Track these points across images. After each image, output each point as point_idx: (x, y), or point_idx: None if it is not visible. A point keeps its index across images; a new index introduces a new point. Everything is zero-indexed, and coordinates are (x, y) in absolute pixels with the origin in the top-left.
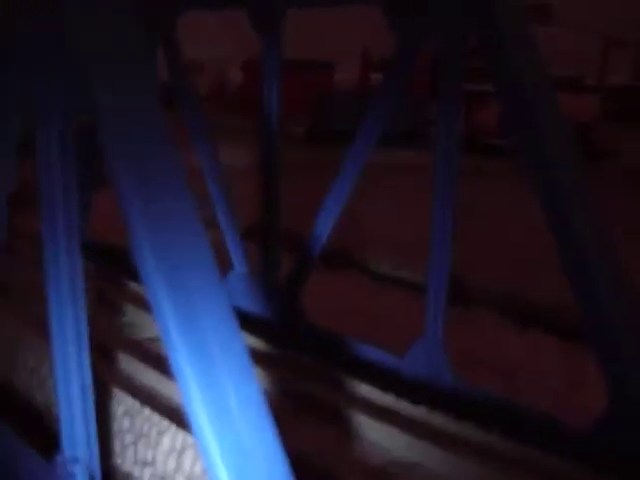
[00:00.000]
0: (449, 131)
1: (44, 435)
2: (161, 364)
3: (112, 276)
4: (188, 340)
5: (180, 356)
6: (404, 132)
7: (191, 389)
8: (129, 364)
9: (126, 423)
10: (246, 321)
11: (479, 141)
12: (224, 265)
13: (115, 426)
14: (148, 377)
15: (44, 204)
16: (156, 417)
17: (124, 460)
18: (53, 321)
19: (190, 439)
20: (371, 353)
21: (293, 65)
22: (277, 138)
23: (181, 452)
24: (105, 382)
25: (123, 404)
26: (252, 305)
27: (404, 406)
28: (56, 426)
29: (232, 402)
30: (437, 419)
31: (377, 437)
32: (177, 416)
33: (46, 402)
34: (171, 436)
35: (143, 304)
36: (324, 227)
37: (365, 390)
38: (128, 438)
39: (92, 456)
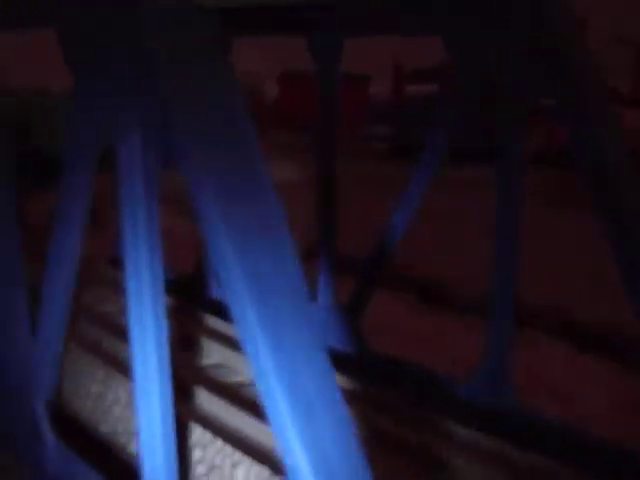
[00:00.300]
0: (512, 148)
1: (111, 463)
2: (230, 394)
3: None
4: (280, 372)
5: (275, 394)
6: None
7: (287, 428)
8: (200, 395)
9: (197, 454)
10: None
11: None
12: None
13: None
14: (218, 409)
15: (125, 228)
16: (229, 449)
17: None
18: (136, 354)
19: (265, 472)
20: (434, 379)
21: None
22: (334, 154)
23: None
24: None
25: (194, 435)
26: None
27: (469, 434)
28: (124, 454)
29: (327, 442)
30: (505, 447)
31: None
32: (250, 448)
33: (113, 429)
34: (245, 469)
35: (212, 335)
36: (386, 248)
37: (423, 416)
38: (200, 469)
39: None
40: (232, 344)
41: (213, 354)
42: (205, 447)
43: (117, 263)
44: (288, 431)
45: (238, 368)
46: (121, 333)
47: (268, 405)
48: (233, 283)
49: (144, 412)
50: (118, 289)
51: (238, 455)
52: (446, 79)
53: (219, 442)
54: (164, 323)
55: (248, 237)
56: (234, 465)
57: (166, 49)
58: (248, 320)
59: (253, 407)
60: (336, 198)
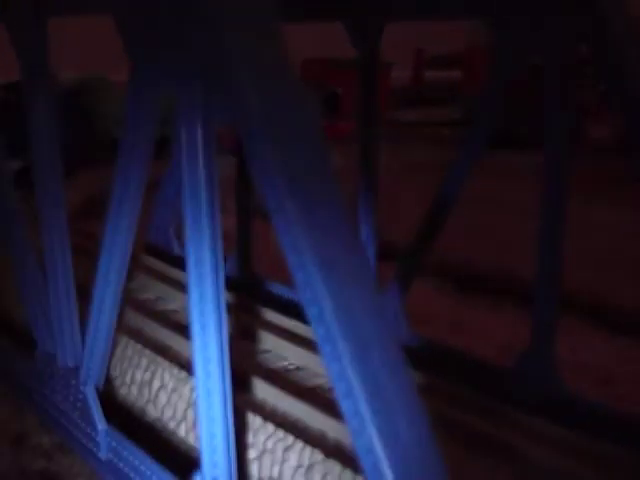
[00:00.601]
0: (559, 134)
1: (162, 448)
2: (277, 379)
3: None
4: (356, 362)
5: (352, 385)
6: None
7: (362, 416)
8: (248, 380)
9: (249, 438)
10: None
11: None
12: None
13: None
14: (265, 391)
15: (187, 213)
16: (280, 433)
17: (249, 476)
18: (198, 343)
19: (318, 455)
20: (479, 364)
21: (353, 64)
22: (376, 140)
23: (309, 468)
24: None
25: (241, 420)
26: None
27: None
28: (173, 439)
29: (401, 430)
30: (557, 433)
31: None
32: (301, 432)
33: (159, 416)
34: (298, 452)
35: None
36: (428, 233)
37: (470, 397)
38: (251, 454)
39: (232, 477)
40: (278, 332)
41: (261, 341)
42: (256, 432)
43: (151, 250)
44: (363, 420)
45: (283, 354)
46: (162, 320)
47: (342, 396)
48: (308, 274)
49: (204, 401)
50: (155, 276)
51: (290, 439)
52: (464, 65)
53: (270, 426)
54: (225, 313)
55: (320, 229)
56: (286, 449)
57: (231, 27)
58: (325, 314)
59: (301, 391)
60: (379, 183)
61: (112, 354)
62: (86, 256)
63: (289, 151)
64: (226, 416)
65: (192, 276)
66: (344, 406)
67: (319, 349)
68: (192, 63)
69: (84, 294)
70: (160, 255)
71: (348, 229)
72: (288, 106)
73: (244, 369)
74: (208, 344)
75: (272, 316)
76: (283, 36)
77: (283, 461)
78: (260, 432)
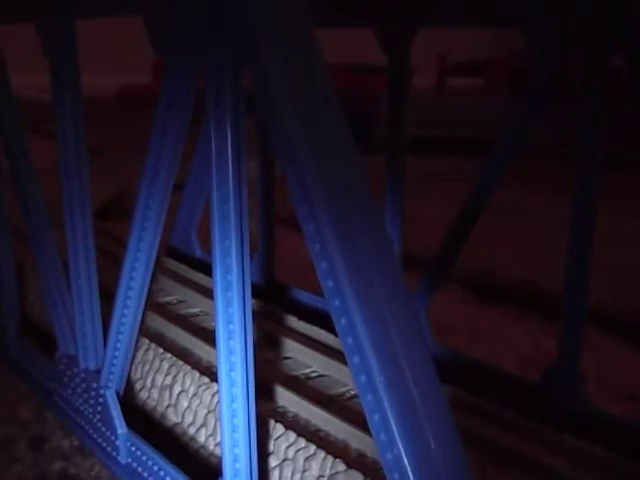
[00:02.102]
0: (590, 146)
1: (182, 453)
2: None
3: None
4: (392, 383)
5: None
6: None
7: (389, 426)
8: (269, 387)
9: (270, 446)
10: None
11: None
12: None
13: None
14: (287, 399)
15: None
16: (302, 441)
17: None
18: (222, 351)
19: (340, 465)
20: (503, 377)
21: (374, 70)
22: (404, 149)
23: (331, 478)
24: None
25: (263, 427)
26: None
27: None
28: (193, 444)
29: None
30: (585, 449)
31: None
32: (324, 440)
33: (179, 421)
34: (320, 461)
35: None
36: (452, 246)
37: (494, 411)
38: (272, 462)
39: None
40: (300, 339)
41: (283, 348)
42: (278, 440)
43: (173, 253)
44: (392, 435)
45: (305, 361)
46: (184, 324)
47: (371, 410)
48: (338, 283)
49: (227, 409)
50: (177, 279)
51: (312, 448)
52: (486, 73)
53: (292, 434)
54: (250, 321)
55: (352, 238)
56: (308, 458)
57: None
58: (354, 325)
59: (323, 399)
60: (404, 192)
61: (133, 357)
62: None
63: (323, 157)
64: (249, 425)
65: (218, 282)
66: (371, 420)
67: (347, 360)
68: (222, 64)
69: (107, 296)
70: (182, 258)
71: (381, 239)
72: (320, 108)
73: (265, 376)
74: (233, 351)
75: (294, 323)
76: (317, 39)
77: (304, 470)
78: (281, 440)
